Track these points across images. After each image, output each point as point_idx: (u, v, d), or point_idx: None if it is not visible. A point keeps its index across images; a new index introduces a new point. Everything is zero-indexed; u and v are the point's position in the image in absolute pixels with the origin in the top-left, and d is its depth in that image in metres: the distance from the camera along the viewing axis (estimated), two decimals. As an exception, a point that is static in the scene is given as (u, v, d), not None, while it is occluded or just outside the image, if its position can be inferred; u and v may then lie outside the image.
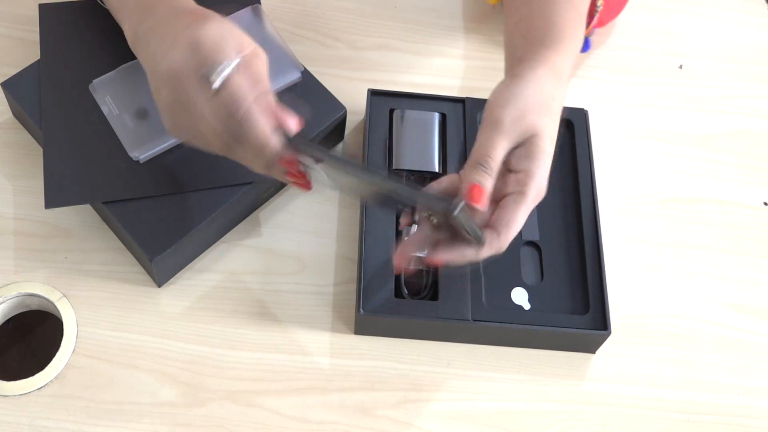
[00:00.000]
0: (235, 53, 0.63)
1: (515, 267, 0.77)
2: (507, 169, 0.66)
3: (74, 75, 0.78)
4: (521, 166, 0.66)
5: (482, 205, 0.64)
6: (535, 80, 0.67)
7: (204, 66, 0.62)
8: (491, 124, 0.65)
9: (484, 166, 0.64)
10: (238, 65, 0.62)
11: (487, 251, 0.66)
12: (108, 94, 0.77)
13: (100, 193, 0.73)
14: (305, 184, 0.66)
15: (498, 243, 0.65)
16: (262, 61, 0.65)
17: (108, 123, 0.76)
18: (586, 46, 0.91)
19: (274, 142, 0.63)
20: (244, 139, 0.63)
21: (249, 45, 0.65)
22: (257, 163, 0.65)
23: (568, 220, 0.80)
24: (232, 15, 0.81)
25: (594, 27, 0.89)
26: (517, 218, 0.65)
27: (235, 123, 0.63)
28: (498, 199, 0.66)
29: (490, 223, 0.65)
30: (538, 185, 0.66)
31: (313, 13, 0.92)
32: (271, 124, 0.63)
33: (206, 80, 0.62)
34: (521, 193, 0.65)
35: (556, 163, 0.82)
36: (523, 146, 0.66)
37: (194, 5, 0.68)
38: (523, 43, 0.71)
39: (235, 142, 0.64)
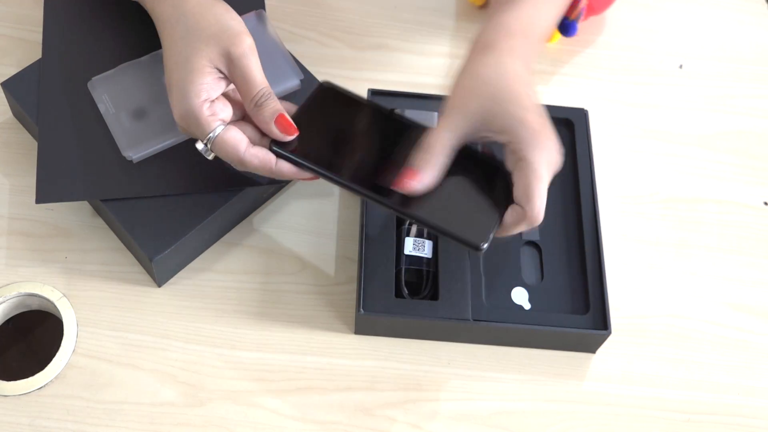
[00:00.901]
0: (212, 121, 0.67)
1: (515, 267, 0.77)
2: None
3: (75, 70, 0.78)
4: (504, 138, 0.66)
5: (417, 183, 0.66)
6: (492, 55, 0.67)
7: (193, 133, 0.69)
8: (444, 115, 0.68)
9: (421, 149, 0.66)
10: (219, 130, 0.67)
11: (519, 227, 0.67)
12: (106, 93, 0.77)
13: (93, 190, 0.73)
14: (310, 177, 0.69)
15: (527, 217, 0.66)
16: (235, 63, 0.68)
17: (104, 121, 0.76)
18: (573, 29, 0.90)
19: (276, 170, 0.68)
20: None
21: (225, 57, 0.68)
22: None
23: (568, 220, 0.80)
24: None
25: (583, 11, 0.89)
26: (533, 186, 0.65)
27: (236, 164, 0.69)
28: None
29: (515, 200, 0.66)
30: (536, 145, 0.65)
31: (313, 13, 0.92)
32: (266, 162, 0.68)
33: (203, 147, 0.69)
34: (522, 159, 0.65)
35: (556, 163, 0.82)
36: (494, 122, 0.66)
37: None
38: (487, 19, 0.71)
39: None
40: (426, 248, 0.76)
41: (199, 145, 0.69)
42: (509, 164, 0.67)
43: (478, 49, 0.69)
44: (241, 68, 0.67)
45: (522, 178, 0.65)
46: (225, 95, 0.70)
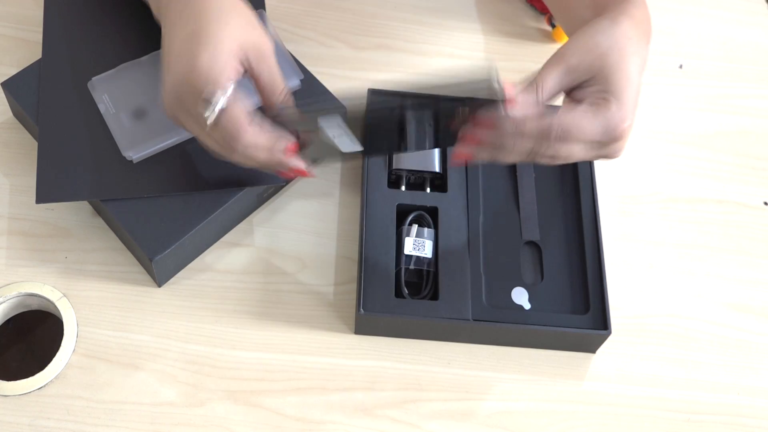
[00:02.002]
0: (228, 79, 0.64)
1: (515, 267, 0.77)
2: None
3: (75, 70, 0.78)
4: (596, 99, 0.64)
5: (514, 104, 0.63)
6: (613, 24, 0.65)
7: (198, 98, 0.64)
8: (555, 54, 0.65)
9: (531, 82, 0.64)
10: (231, 94, 0.64)
11: (526, 105, 0.63)
12: (106, 93, 0.77)
13: (93, 190, 0.73)
14: (307, 173, 0.69)
15: (538, 102, 0.63)
16: (265, 60, 0.66)
17: (104, 121, 0.76)
18: None
19: (276, 157, 0.66)
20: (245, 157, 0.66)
21: (252, 49, 0.66)
22: (254, 166, 0.68)
23: (568, 220, 0.80)
24: None
25: None
26: (579, 115, 0.62)
27: (234, 147, 0.65)
28: None
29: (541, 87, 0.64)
30: (617, 110, 0.63)
31: (313, 13, 0.92)
32: (269, 139, 0.66)
33: (201, 114, 0.64)
34: (596, 104, 0.63)
35: (556, 163, 0.82)
36: (596, 83, 0.64)
37: None
38: (592, 11, 0.69)
39: (232, 154, 0.67)
40: (426, 248, 0.76)
41: (208, 106, 0.63)
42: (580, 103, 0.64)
43: (610, 10, 0.67)
44: (270, 66, 0.66)
45: (582, 108, 0.63)
46: None
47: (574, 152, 0.64)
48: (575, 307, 0.75)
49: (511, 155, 0.65)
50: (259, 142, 0.65)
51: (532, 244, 0.79)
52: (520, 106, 0.63)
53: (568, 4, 0.74)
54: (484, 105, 0.63)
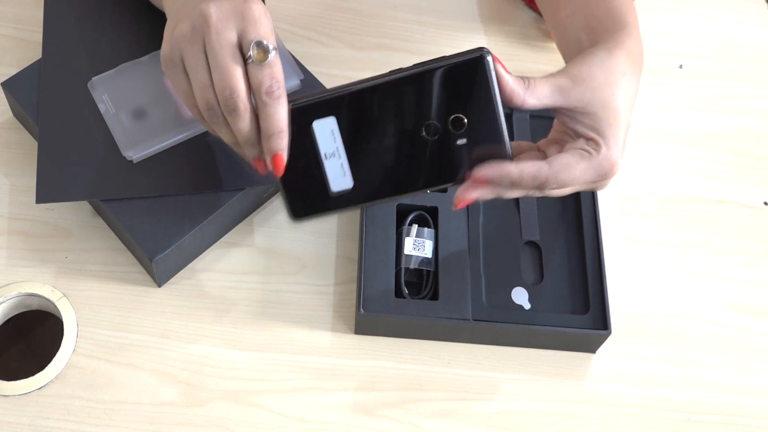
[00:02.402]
0: (273, 35, 0.63)
1: (515, 267, 0.77)
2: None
3: (75, 70, 0.78)
4: (587, 134, 0.64)
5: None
6: (609, 57, 0.65)
7: (252, 35, 0.61)
8: (552, 74, 0.64)
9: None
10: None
11: (531, 178, 0.62)
12: (106, 93, 0.77)
13: (93, 190, 0.73)
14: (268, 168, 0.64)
15: (544, 177, 0.62)
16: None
17: (104, 121, 0.76)
18: None
19: (286, 134, 0.62)
20: (251, 117, 0.62)
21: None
22: (245, 139, 0.64)
23: (568, 220, 0.80)
24: None
25: None
26: (574, 172, 0.63)
27: (259, 100, 0.62)
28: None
29: (548, 159, 0.63)
30: (603, 163, 0.63)
31: (313, 13, 0.92)
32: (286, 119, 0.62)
33: (256, 48, 0.61)
34: (590, 154, 0.63)
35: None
36: (587, 117, 0.64)
37: None
38: (587, 34, 0.70)
39: (221, 112, 0.63)
40: (426, 248, 0.76)
41: (265, 42, 0.61)
42: (572, 145, 0.64)
43: (605, 40, 0.67)
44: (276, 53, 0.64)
45: (574, 157, 0.63)
46: None
47: (566, 191, 0.65)
48: (575, 307, 0.75)
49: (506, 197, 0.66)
50: (281, 111, 0.61)
51: (532, 244, 0.79)
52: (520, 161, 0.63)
53: (562, 23, 0.73)
54: (483, 151, 0.62)
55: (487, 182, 0.63)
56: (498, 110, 0.61)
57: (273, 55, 0.62)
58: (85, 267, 0.76)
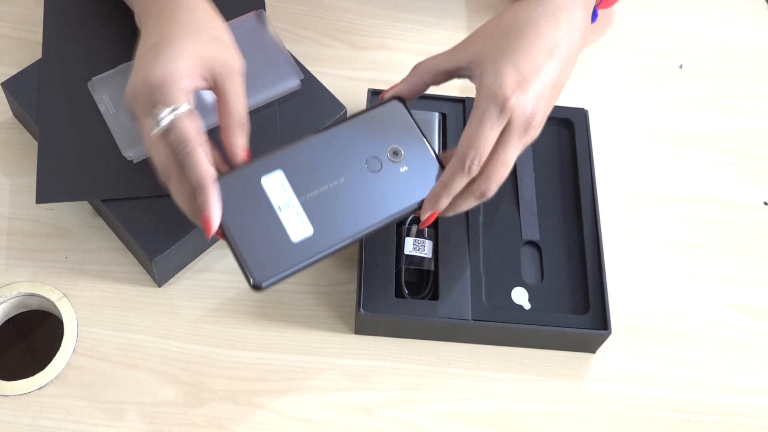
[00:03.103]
0: (185, 94, 0.62)
1: (515, 267, 0.77)
2: None
3: (75, 70, 0.78)
4: (477, 84, 0.64)
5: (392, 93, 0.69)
6: (504, 9, 0.66)
7: (151, 107, 0.62)
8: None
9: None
10: (183, 111, 0.62)
11: (454, 178, 0.64)
12: (106, 93, 0.77)
13: (93, 190, 0.73)
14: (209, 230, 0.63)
15: (459, 164, 0.64)
16: (230, 78, 0.65)
17: (104, 121, 0.76)
18: (595, 15, 0.89)
19: (208, 189, 0.62)
20: (181, 178, 0.63)
21: (219, 65, 0.64)
22: (183, 202, 0.64)
23: (568, 220, 0.80)
24: (235, 20, 0.81)
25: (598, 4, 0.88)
26: (470, 132, 0.63)
27: (177, 163, 0.62)
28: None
29: (455, 152, 0.64)
30: (490, 94, 0.62)
31: (313, 13, 0.92)
32: (210, 171, 0.62)
33: (153, 121, 0.62)
34: (473, 108, 0.64)
35: (556, 162, 0.82)
36: (479, 66, 0.64)
37: None
38: None
39: (171, 179, 0.64)
40: (426, 248, 0.76)
41: (164, 112, 0.61)
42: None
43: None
44: (232, 86, 0.64)
45: (466, 126, 0.63)
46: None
47: (503, 162, 0.65)
48: (575, 307, 0.75)
49: (467, 203, 0.68)
50: (195, 163, 0.61)
51: (532, 244, 0.79)
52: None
53: None
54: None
55: (431, 209, 0.66)
56: (421, 135, 0.69)
57: (167, 121, 0.62)
58: (85, 267, 0.76)
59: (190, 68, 0.63)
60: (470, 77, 0.67)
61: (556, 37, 0.65)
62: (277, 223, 0.64)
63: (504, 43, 0.64)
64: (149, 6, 0.69)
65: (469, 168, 0.64)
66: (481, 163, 0.64)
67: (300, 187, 0.65)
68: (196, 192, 0.62)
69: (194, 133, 0.62)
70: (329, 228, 0.65)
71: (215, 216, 0.62)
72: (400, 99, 0.69)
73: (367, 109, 0.69)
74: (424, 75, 0.68)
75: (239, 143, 0.65)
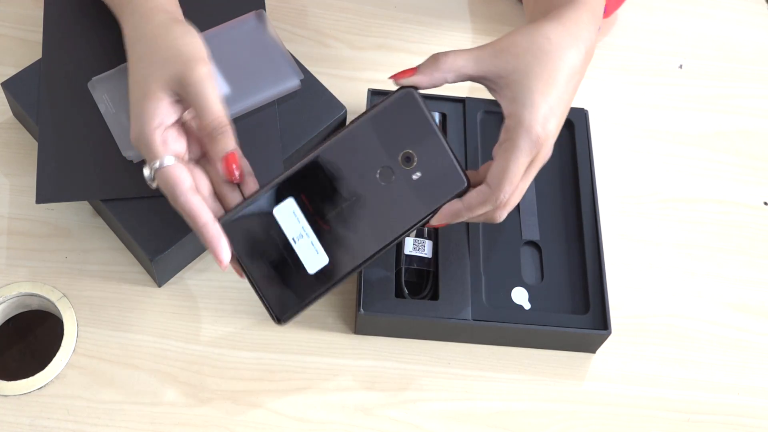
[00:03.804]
0: (162, 144, 0.64)
1: (515, 267, 0.77)
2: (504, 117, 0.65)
3: (75, 70, 0.78)
4: (508, 110, 0.64)
5: (410, 80, 0.65)
6: (535, 27, 0.65)
7: (145, 157, 0.65)
8: (476, 47, 0.65)
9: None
10: (165, 165, 0.64)
11: (481, 206, 0.64)
12: (106, 93, 0.77)
13: (93, 190, 0.73)
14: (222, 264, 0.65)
15: (493, 197, 0.64)
16: (190, 87, 0.64)
17: (104, 121, 0.76)
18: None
19: (208, 232, 0.64)
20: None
21: (178, 79, 0.64)
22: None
23: (568, 220, 0.80)
24: (235, 20, 0.81)
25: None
26: (509, 167, 0.63)
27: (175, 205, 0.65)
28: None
29: (486, 180, 0.64)
30: (528, 130, 0.63)
31: (313, 13, 0.92)
32: (206, 213, 0.63)
33: (147, 174, 0.65)
34: (509, 140, 0.63)
35: (556, 162, 0.82)
36: (509, 87, 0.64)
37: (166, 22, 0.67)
38: (543, 16, 0.69)
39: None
40: (426, 248, 0.76)
41: (146, 172, 0.65)
42: (497, 146, 0.65)
43: (545, 12, 0.67)
44: (196, 94, 0.63)
45: (501, 158, 0.63)
46: (185, 126, 0.67)
47: (521, 191, 0.66)
48: (575, 307, 0.75)
49: (474, 221, 0.68)
50: (185, 213, 0.64)
51: (532, 244, 0.79)
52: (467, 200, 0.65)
53: (531, 12, 0.73)
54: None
55: (447, 222, 0.66)
56: (438, 134, 0.64)
57: (148, 174, 0.65)
58: (85, 267, 0.76)
59: (158, 112, 0.64)
60: (493, 91, 0.66)
61: (577, 66, 0.66)
62: (293, 256, 0.64)
63: (537, 69, 0.64)
64: (126, 40, 0.69)
65: (505, 202, 0.65)
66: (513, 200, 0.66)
67: (312, 214, 0.64)
68: (199, 234, 0.64)
69: (178, 183, 0.63)
70: (344, 254, 0.65)
71: (223, 254, 0.64)
72: (415, 89, 0.65)
73: (378, 104, 0.64)
74: (449, 74, 0.65)
75: (223, 148, 0.64)
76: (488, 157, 0.79)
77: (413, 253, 0.75)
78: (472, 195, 0.65)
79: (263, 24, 0.81)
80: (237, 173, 0.64)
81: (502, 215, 0.66)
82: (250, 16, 0.81)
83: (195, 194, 0.64)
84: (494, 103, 0.84)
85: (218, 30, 0.80)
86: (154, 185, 0.65)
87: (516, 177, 0.64)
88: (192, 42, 0.66)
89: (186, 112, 0.66)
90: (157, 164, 0.64)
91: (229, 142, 0.64)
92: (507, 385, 0.75)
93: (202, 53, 0.65)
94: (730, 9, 1.00)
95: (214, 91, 0.64)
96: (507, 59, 0.64)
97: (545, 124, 0.63)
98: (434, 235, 0.77)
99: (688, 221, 0.85)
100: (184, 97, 0.65)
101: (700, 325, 0.79)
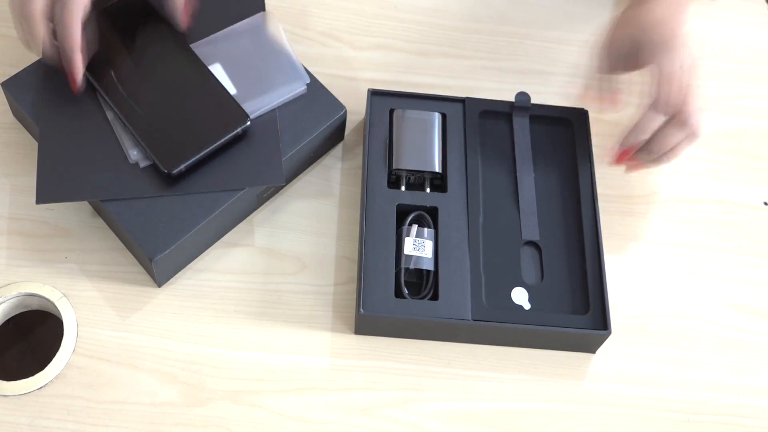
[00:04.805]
0: None
1: (515, 267, 0.77)
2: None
3: None
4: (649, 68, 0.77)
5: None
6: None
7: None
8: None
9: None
10: None
11: (674, 134, 0.77)
12: None
13: (93, 191, 0.73)
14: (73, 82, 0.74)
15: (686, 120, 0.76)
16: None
17: (108, 123, 0.76)
18: None
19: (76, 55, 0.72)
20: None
21: None
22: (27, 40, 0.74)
23: (568, 220, 0.80)
24: (243, 22, 0.81)
25: None
26: (661, 84, 0.76)
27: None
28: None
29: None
30: (660, 78, 0.76)
31: (313, 13, 0.92)
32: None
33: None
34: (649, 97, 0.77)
35: (556, 162, 0.82)
36: (642, 56, 0.77)
37: None
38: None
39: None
40: (426, 248, 0.76)
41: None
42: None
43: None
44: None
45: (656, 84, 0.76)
46: None
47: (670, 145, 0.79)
48: (575, 307, 0.75)
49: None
50: (73, 31, 0.71)
51: (532, 244, 0.79)
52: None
53: None
54: None
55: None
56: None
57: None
58: (85, 267, 0.76)
59: None
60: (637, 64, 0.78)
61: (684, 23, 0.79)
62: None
63: (657, 31, 0.77)
64: None
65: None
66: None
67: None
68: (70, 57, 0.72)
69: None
70: None
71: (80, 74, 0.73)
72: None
73: None
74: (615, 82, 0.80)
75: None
76: (488, 156, 0.80)
77: (413, 253, 0.75)
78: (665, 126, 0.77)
79: (271, 27, 0.81)
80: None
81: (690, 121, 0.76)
82: (257, 18, 0.81)
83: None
84: (495, 103, 0.84)
85: (227, 32, 0.80)
86: None
87: (655, 134, 0.77)
88: None
89: None
90: None
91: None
92: (507, 385, 0.74)
93: None
94: (731, 9, 1.00)
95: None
96: (622, 34, 0.78)
97: (678, 82, 0.76)
98: (434, 235, 0.77)
99: (688, 221, 0.85)
100: None
101: (700, 325, 0.79)
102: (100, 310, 0.74)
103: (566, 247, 0.78)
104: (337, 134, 0.82)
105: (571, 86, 0.91)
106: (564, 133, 0.84)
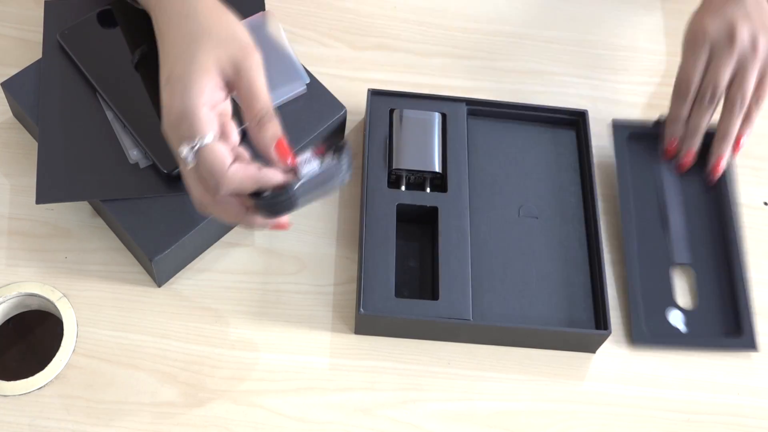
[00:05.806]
0: (207, 123, 0.62)
1: (515, 272, 0.77)
2: None
3: (76, 70, 0.78)
4: None
5: None
6: None
7: (178, 144, 0.63)
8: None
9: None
10: (207, 143, 0.62)
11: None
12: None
13: (93, 191, 0.73)
14: (283, 226, 0.68)
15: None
16: (243, 74, 0.65)
17: (109, 123, 0.76)
18: None
19: (245, 216, 0.66)
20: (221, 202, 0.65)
21: (236, 57, 0.64)
22: (233, 220, 0.67)
23: (568, 221, 0.80)
24: (244, 21, 0.81)
25: None
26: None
27: (211, 191, 0.64)
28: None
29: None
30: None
31: (313, 13, 0.92)
32: (248, 187, 0.64)
33: (180, 159, 0.64)
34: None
35: (554, 163, 0.82)
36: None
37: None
38: None
39: (210, 207, 0.66)
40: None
41: (184, 150, 0.63)
42: None
43: None
44: (249, 80, 0.64)
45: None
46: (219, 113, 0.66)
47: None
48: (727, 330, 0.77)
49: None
50: (238, 180, 0.63)
51: (532, 244, 0.78)
52: None
53: None
54: None
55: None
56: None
57: (191, 158, 0.63)
58: (85, 267, 0.76)
59: (208, 88, 0.63)
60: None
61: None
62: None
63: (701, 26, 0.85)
64: (163, 15, 0.68)
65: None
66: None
67: None
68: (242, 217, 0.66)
69: (224, 159, 0.62)
70: None
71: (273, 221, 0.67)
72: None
73: None
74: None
75: (273, 134, 0.65)
76: (489, 157, 0.80)
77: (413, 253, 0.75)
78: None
79: (271, 27, 0.81)
80: (289, 158, 0.65)
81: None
82: (257, 18, 0.81)
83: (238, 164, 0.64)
84: (495, 103, 0.84)
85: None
86: (190, 164, 0.63)
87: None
88: (244, 31, 0.67)
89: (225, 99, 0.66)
90: (201, 140, 0.62)
91: (278, 128, 0.65)
92: (507, 385, 0.75)
93: (253, 42, 0.66)
94: (730, 9, 0.99)
95: (264, 80, 0.65)
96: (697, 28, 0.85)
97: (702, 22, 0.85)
98: (434, 235, 0.77)
99: (688, 221, 0.85)
100: (234, 81, 0.65)
101: (700, 325, 0.79)
102: (100, 310, 0.74)
103: (566, 247, 0.78)
104: (337, 134, 0.82)
105: (573, 86, 0.91)
106: (564, 133, 0.84)
